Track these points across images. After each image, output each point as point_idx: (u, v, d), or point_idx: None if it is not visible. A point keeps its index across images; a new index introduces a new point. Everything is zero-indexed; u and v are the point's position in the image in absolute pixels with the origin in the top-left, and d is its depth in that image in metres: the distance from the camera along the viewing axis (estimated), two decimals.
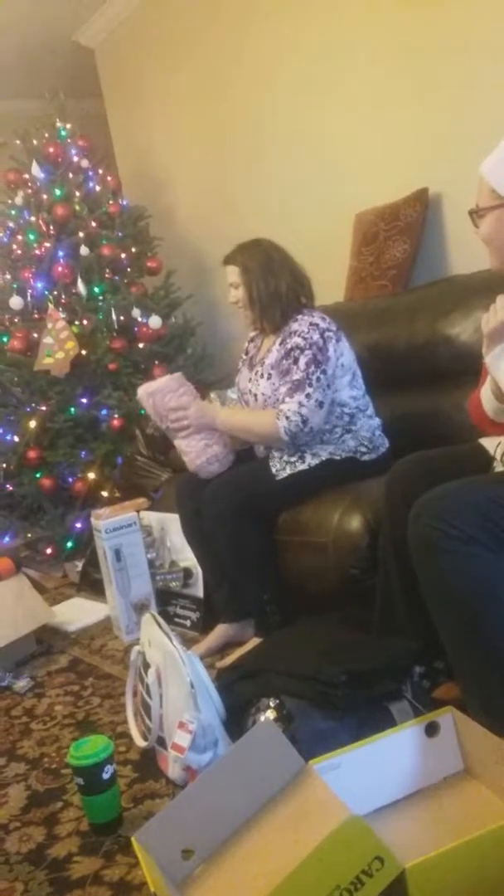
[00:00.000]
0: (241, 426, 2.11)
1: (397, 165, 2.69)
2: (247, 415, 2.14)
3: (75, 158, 3.49)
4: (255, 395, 2.14)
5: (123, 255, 3.44)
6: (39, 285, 3.31)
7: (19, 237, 3.42)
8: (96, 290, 3.35)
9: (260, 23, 3.16)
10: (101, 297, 3.34)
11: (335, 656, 1.49)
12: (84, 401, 3.22)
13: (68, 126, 3.54)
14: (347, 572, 1.84)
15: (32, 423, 3.16)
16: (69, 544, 3.13)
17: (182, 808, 1.15)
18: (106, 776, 1.37)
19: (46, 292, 3.30)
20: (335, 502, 1.93)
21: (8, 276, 3.43)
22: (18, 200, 3.46)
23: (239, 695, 1.55)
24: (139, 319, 3.34)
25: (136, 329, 3.35)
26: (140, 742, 1.60)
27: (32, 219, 3.40)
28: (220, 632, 2.11)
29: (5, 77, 4.39)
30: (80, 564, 2.90)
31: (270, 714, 1.46)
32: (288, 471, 2.03)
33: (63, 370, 3.15)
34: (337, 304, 2.61)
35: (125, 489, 2.99)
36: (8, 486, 3.29)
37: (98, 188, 3.52)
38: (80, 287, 3.30)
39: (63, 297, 3.32)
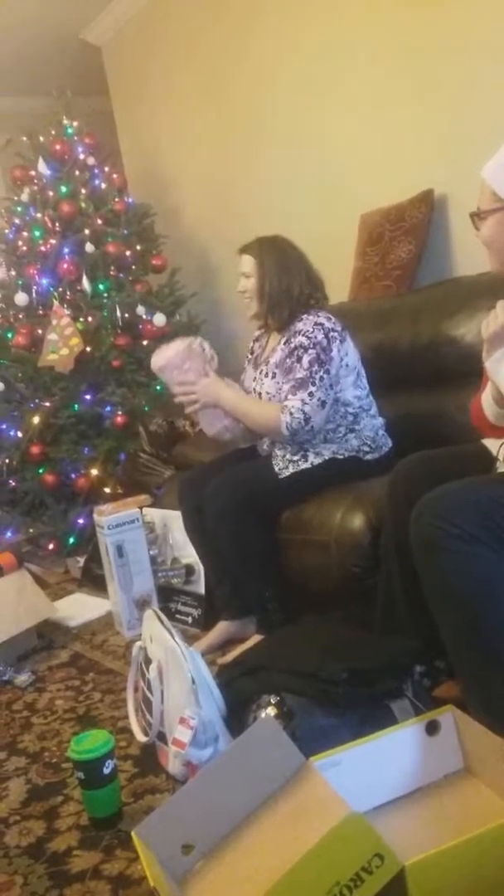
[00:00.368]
0: (243, 410, 2.12)
1: (403, 166, 2.69)
2: (252, 402, 2.15)
3: (81, 156, 3.49)
4: (260, 395, 2.15)
5: (128, 253, 3.45)
6: (45, 282, 3.32)
7: (25, 234, 3.43)
8: (101, 287, 3.35)
9: (265, 22, 3.16)
10: (105, 295, 3.34)
11: (336, 654, 1.49)
12: (88, 397, 3.23)
13: (75, 123, 3.55)
14: (349, 571, 1.84)
15: (36, 419, 3.17)
16: (71, 540, 3.14)
17: (182, 803, 1.15)
18: (106, 771, 1.38)
19: (51, 289, 3.31)
20: (338, 501, 1.93)
21: (13, 273, 3.44)
22: (24, 197, 3.47)
23: (240, 691, 1.55)
24: (143, 317, 3.34)
25: (140, 326, 3.35)
26: (141, 737, 1.60)
27: (38, 215, 3.41)
28: (222, 629, 2.12)
29: (13, 74, 4.40)
30: (81, 560, 2.90)
31: (271, 711, 1.46)
32: (291, 469, 2.03)
33: (67, 367, 3.16)
34: (341, 304, 2.61)
35: (128, 485, 2.99)
36: (11, 481, 3.30)
37: (104, 185, 3.52)
38: (85, 284, 3.30)
39: (68, 293, 3.33)
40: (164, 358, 2.16)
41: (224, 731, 1.48)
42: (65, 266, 3.29)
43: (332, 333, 2.02)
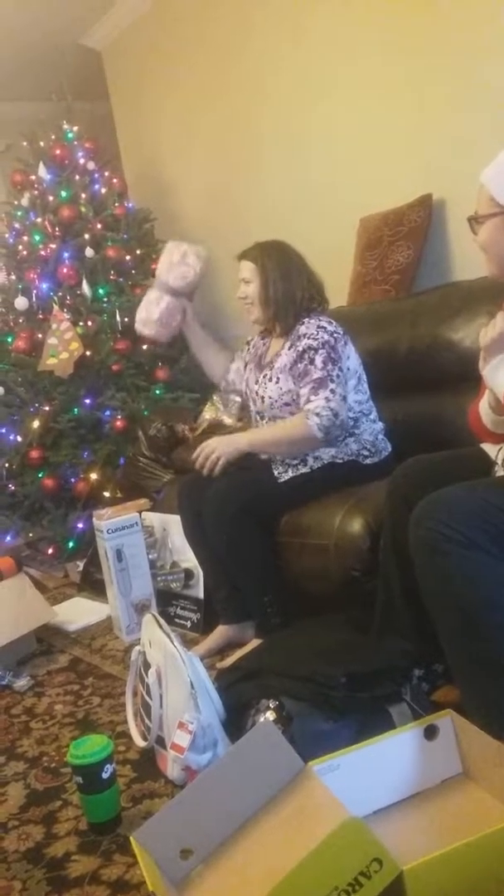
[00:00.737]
0: (270, 440, 2.07)
1: (402, 171, 2.70)
2: (272, 429, 2.11)
3: (81, 160, 3.51)
4: (262, 398, 2.15)
5: (128, 257, 3.46)
6: (44, 286, 3.33)
7: (25, 238, 3.44)
8: (101, 291, 3.36)
9: (264, 28, 3.17)
10: (105, 299, 3.35)
11: (335, 658, 1.49)
12: (87, 401, 3.23)
13: (75, 128, 3.56)
14: (348, 574, 1.84)
15: (36, 423, 3.17)
16: (71, 544, 3.14)
17: (181, 807, 1.15)
18: (105, 775, 1.38)
19: (51, 293, 3.32)
20: (337, 505, 1.93)
21: (13, 277, 3.45)
22: (24, 202, 3.48)
23: (239, 696, 1.55)
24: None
25: None
26: (140, 742, 1.60)
27: (38, 220, 3.42)
28: (221, 633, 2.12)
29: (13, 79, 4.42)
30: (81, 564, 2.90)
31: (270, 715, 1.46)
32: (290, 473, 2.03)
33: (67, 371, 3.16)
34: (340, 308, 2.62)
35: (127, 490, 2.99)
36: (10, 485, 3.30)
37: (104, 190, 3.53)
38: (85, 288, 3.31)
39: (68, 298, 3.33)
40: (141, 319, 2.25)
41: (223, 736, 1.48)
42: (65, 270, 3.30)
43: (335, 335, 2.03)
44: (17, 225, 3.50)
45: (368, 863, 0.99)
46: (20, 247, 3.46)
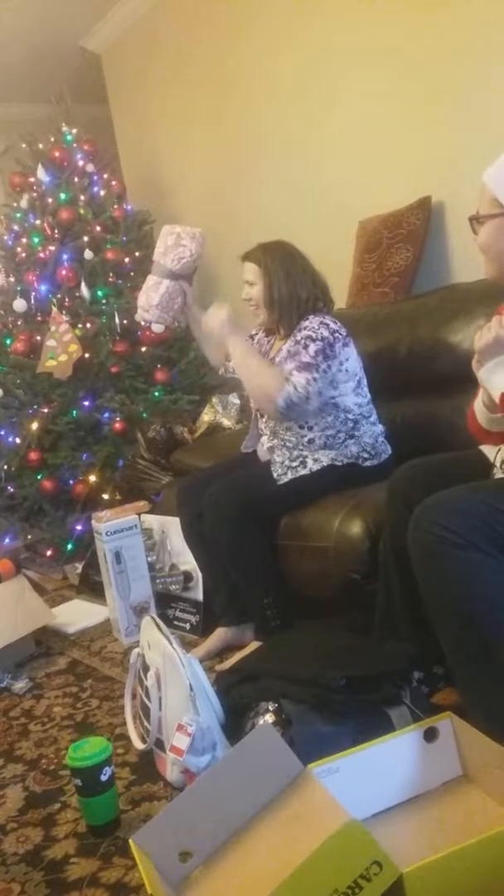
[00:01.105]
0: (249, 364, 2.03)
1: (401, 174, 2.70)
2: (260, 360, 2.06)
3: (80, 163, 3.51)
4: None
5: (127, 260, 3.46)
6: (43, 288, 3.33)
7: (24, 240, 3.44)
8: (100, 293, 3.36)
9: (263, 32, 3.18)
10: (104, 301, 3.35)
11: (335, 661, 1.49)
12: (86, 403, 3.23)
13: (74, 131, 3.57)
14: (348, 577, 1.84)
15: (34, 425, 3.17)
16: (69, 546, 3.13)
17: (180, 810, 1.15)
18: (104, 778, 1.38)
19: (50, 295, 3.32)
20: (336, 507, 1.93)
21: (12, 279, 3.45)
22: (23, 204, 3.48)
23: (238, 698, 1.55)
24: (142, 323, 3.34)
25: (138, 333, 3.36)
26: (138, 744, 1.60)
27: (37, 222, 3.42)
28: (220, 635, 2.11)
29: (12, 81, 4.42)
30: (79, 566, 2.90)
31: (269, 718, 1.46)
32: (290, 476, 2.03)
33: (66, 373, 3.16)
34: (340, 310, 2.62)
35: (126, 492, 2.99)
36: (9, 487, 3.30)
37: (103, 193, 3.54)
38: (84, 290, 3.31)
39: (67, 300, 3.33)
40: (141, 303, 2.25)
41: (222, 739, 1.48)
42: (63, 272, 3.30)
43: (336, 334, 2.02)
44: (15, 227, 3.50)
45: (368, 865, 0.98)
46: (19, 249, 3.46)
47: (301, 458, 2.05)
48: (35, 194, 3.47)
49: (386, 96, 2.71)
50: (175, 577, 2.38)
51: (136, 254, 3.51)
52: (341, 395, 2.06)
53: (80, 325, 3.26)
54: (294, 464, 2.05)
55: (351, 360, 2.07)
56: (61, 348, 3.15)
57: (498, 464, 1.54)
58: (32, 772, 1.65)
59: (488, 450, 1.60)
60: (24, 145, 3.56)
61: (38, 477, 3.23)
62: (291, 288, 2.07)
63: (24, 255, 3.44)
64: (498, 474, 1.54)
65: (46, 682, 2.11)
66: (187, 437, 3.03)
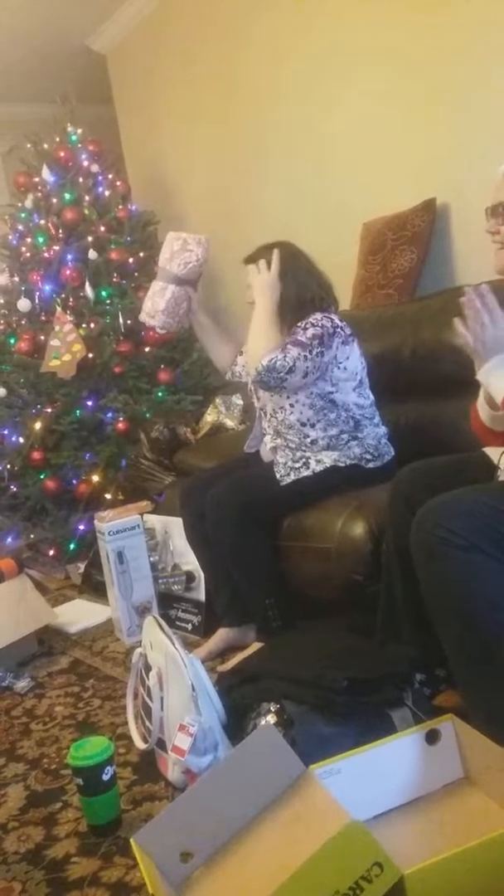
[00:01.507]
0: (259, 319, 2.04)
1: (405, 175, 2.70)
2: (271, 324, 2.04)
3: (85, 163, 3.51)
4: (258, 397, 2.15)
5: (131, 260, 3.46)
6: (47, 288, 3.33)
7: (28, 240, 3.44)
8: (104, 293, 3.36)
9: (268, 33, 3.18)
10: (108, 301, 3.36)
11: (337, 662, 1.49)
12: (89, 403, 3.24)
13: (79, 131, 3.57)
14: (350, 578, 1.84)
15: (38, 425, 3.18)
16: (72, 546, 3.14)
17: (181, 810, 1.15)
18: (106, 777, 1.38)
19: (54, 295, 3.32)
20: (339, 508, 1.93)
21: (16, 279, 3.46)
22: (28, 203, 3.49)
23: (240, 699, 1.55)
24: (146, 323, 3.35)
25: (142, 333, 3.36)
26: (140, 744, 1.60)
27: (42, 222, 3.42)
28: (222, 636, 2.11)
29: (18, 81, 4.43)
30: (82, 566, 2.90)
31: (271, 718, 1.46)
32: (292, 477, 2.03)
33: (69, 372, 3.16)
34: (343, 312, 2.62)
35: (129, 492, 2.99)
36: (12, 486, 3.30)
37: (107, 193, 3.54)
38: (88, 290, 3.31)
39: (71, 300, 3.34)
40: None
41: (223, 739, 1.48)
42: (68, 272, 3.30)
43: (338, 330, 2.02)
44: (20, 227, 3.50)
45: (369, 867, 0.98)
46: (23, 248, 3.46)
47: (304, 459, 2.05)
48: (40, 194, 3.47)
49: (390, 98, 2.71)
50: (177, 577, 2.38)
51: (141, 254, 3.51)
52: (339, 393, 2.05)
53: (84, 325, 3.26)
54: (297, 465, 2.05)
55: (352, 359, 2.07)
56: (65, 348, 3.16)
57: (502, 466, 1.54)
58: (34, 771, 1.65)
59: (492, 452, 1.60)
60: (29, 145, 3.56)
61: (41, 476, 3.23)
62: (295, 288, 2.07)
63: (28, 254, 3.44)
64: (501, 476, 1.54)
65: (48, 681, 2.11)
66: (190, 437, 3.03)
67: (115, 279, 3.42)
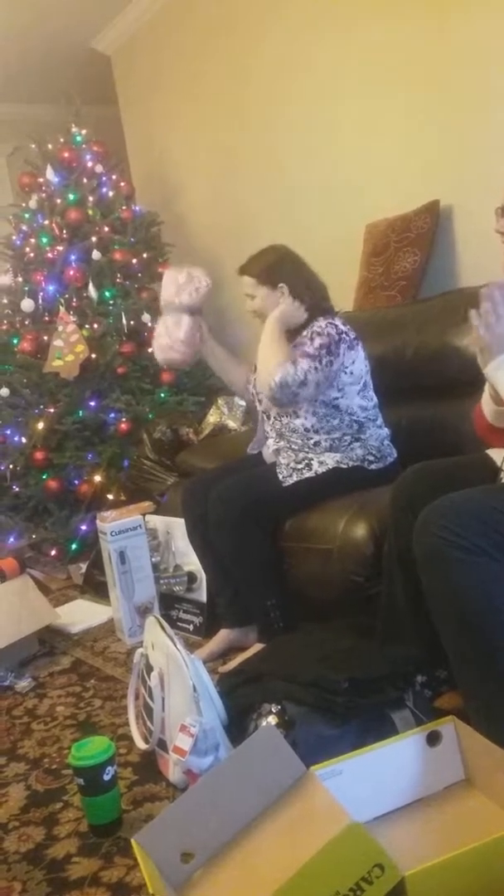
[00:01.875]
0: (266, 339, 2.05)
1: (409, 177, 2.70)
2: (279, 341, 2.05)
3: (89, 163, 3.52)
4: (260, 400, 2.15)
5: (135, 261, 3.47)
6: (51, 288, 3.33)
7: (32, 240, 3.45)
8: (107, 294, 3.37)
9: (275, 35, 3.18)
10: (111, 302, 3.36)
11: (338, 663, 1.49)
12: (92, 404, 3.24)
13: (83, 131, 3.57)
14: (351, 580, 1.84)
15: (40, 425, 3.18)
16: (74, 546, 3.14)
17: (182, 811, 1.15)
18: (106, 777, 1.38)
19: (58, 295, 3.32)
20: (341, 510, 1.93)
21: (20, 279, 3.46)
22: (32, 204, 3.49)
23: (241, 699, 1.55)
24: (149, 324, 3.35)
25: (145, 334, 3.36)
26: (141, 744, 1.60)
27: (46, 222, 3.43)
28: (223, 636, 2.12)
29: (22, 81, 4.44)
30: (83, 566, 2.91)
31: (272, 719, 1.46)
32: (295, 478, 2.03)
33: (72, 373, 3.17)
34: (346, 313, 2.62)
35: (131, 492, 3.00)
36: (14, 486, 3.31)
37: (111, 193, 3.54)
38: (92, 291, 3.32)
39: (74, 300, 3.34)
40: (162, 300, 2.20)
41: (225, 740, 1.48)
42: (71, 273, 3.30)
43: (343, 336, 2.03)
44: (24, 227, 3.50)
45: (370, 868, 0.98)
46: (27, 249, 3.46)
47: (306, 461, 2.05)
48: (44, 194, 3.48)
49: (394, 100, 2.71)
50: (179, 577, 2.38)
51: (144, 255, 3.52)
52: (344, 398, 2.06)
53: (87, 326, 3.26)
54: (299, 466, 2.05)
55: (357, 362, 2.07)
56: (68, 348, 3.16)
57: None
58: (35, 771, 1.66)
59: (495, 454, 1.60)
60: (33, 145, 3.57)
61: (44, 476, 3.23)
62: (289, 293, 2.08)
63: (32, 254, 3.44)
64: None
65: (49, 681, 2.11)
66: (192, 438, 3.03)
67: (118, 280, 3.43)
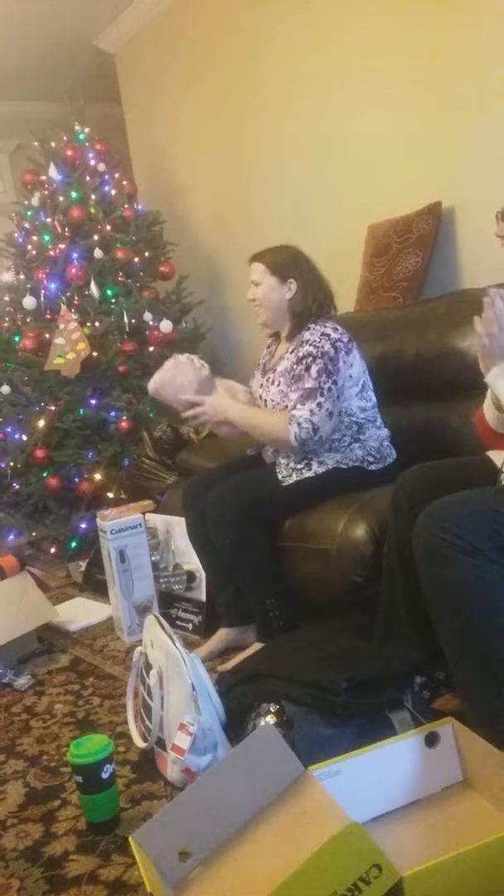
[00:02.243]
0: (253, 423, 2.10)
1: (411, 178, 2.70)
2: (260, 414, 2.13)
3: (92, 162, 3.52)
4: (266, 401, 2.16)
5: (137, 259, 3.47)
6: (53, 286, 3.34)
7: (34, 238, 3.45)
8: (109, 292, 3.37)
9: (279, 35, 3.18)
10: (113, 300, 3.36)
11: (337, 663, 1.49)
12: (93, 402, 3.24)
13: (86, 130, 3.57)
14: (351, 580, 1.85)
15: (41, 423, 3.18)
16: (73, 544, 3.14)
17: (180, 809, 1.15)
18: (105, 775, 1.38)
19: (59, 293, 3.33)
20: (341, 510, 1.93)
21: (22, 277, 3.46)
22: (35, 201, 3.49)
23: (239, 699, 1.55)
24: (150, 323, 3.36)
25: (146, 332, 3.37)
26: (140, 743, 1.60)
27: (48, 220, 3.43)
28: (222, 636, 2.12)
29: (26, 79, 4.44)
30: (83, 564, 2.91)
31: (271, 719, 1.46)
32: (294, 478, 2.03)
33: (73, 371, 3.17)
34: (348, 314, 2.62)
35: (131, 491, 3.00)
36: (15, 484, 3.31)
37: (114, 192, 3.54)
38: (93, 289, 3.32)
39: (76, 298, 3.34)
40: (155, 381, 2.17)
41: (223, 739, 1.48)
42: (73, 271, 3.31)
43: (338, 344, 2.03)
44: (26, 224, 3.51)
45: (368, 868, 0.98)
46: (29, 246, 3.47)
47: (306, 461, 2.05)
48: (46, 192, 3.48)
49: (397, 101, 2.71)
50: (178, 576, 2.39)
51: (146, 254, 3.52)
52: (345, 400, 2.06)
53: (88, 324, 3.26)
54: (299, 466, 2.05)
55: (355, 365, 2.07)
56: (69, 346, 3.16)
57: None
58: (33, 768, 1.66)
59: (495, 455, 1.60)
60: (36, 143, 3.57)
61: (44, 474, 3.23)
62: (302, 287, 2.09)
63: (34, 252, 3.45)
64: None
65: (48, 678, 2.12)
66: (193, 437, 3.03)
67: (120, 278, 3.43)
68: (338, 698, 1.40)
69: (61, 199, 3.43)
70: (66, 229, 3.41)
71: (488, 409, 1.59)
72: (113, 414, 3.23)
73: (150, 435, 3.07)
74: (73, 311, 3.26)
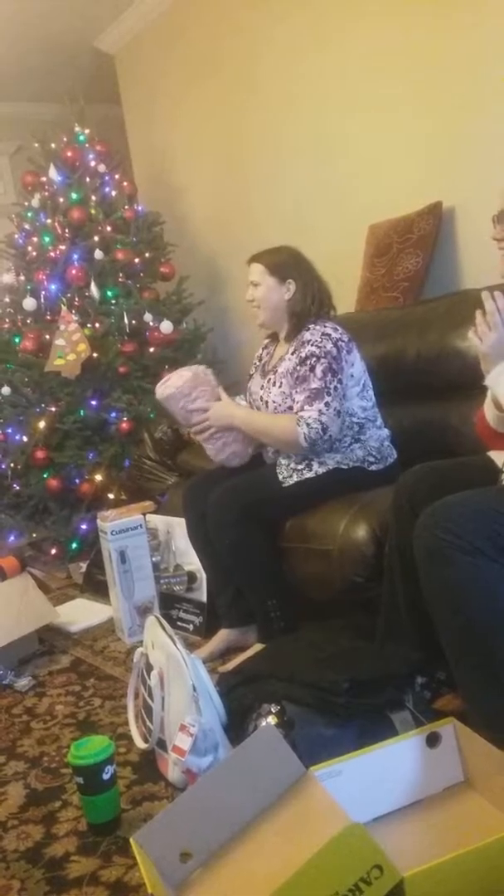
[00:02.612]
0: (259, 428, 2.11)
1: (412, 178, 2.70)
2: (266, 418, 2.13)
3: (92, 163, 3.52)
4: (266, 403, 2.15)
5: (137, 260, 3.47)
6: (53, 287, 3.34)
7: (34, 239, 3.45)
8: (109, 293, 3.37)
9: (280, 35, 3.19)
10: (113, 301, 3.36)
11: (338, 664, 1.49)
12: (93, 403, 3.24)
13: (86, 131, 3.57)
14: (352, 580, 1.84)
15: (41, 424, 3.18)
16: (74, 545, 3.14)
17: (181, 810, 1.15)
18: (106, 776, 1.38)
19: (60, 294, 3.33)
20: (341, 510, 1.93)
21: (22, 278, 3.46)
22: (35, 203, 3.49)
23: (240, 700, 1.55)
24: (151, 324, 3.36)
25: (147, 333, 3.36)
26: (140, 744, 1.60)
27: (48, 221, 3.43)
28: (223, 636, 2.12)
29: (25, 80, 4.44)
30: (83, 565, 2.91)
31: (272, 720, 1.46)
32: (295, 478, 2.03)
33: (74, 372, 3.17)
34: (348, 314, 2.62)
35: (132, 492, 3.00)
36: (15, 485, 3.31)
37: (114, 193, 3.54)
38: (94, 290, 3.32)
39: (76, 299, 3.34)
40: (171, 387, 2.16)
41: (224, 740, 1.48)
42: (73, 272, 3.31)
43: (340, 343, 2.03)
44: (27, 226, 3.51)
45: (369, 869, 0.98)
46: (30, 247, 3.47)
47: (307, 461, 2.05)
48: (47, 193, 3.48)
49: (399, 101, 2.71)
50: (179, 577, 2.38)
51: (146, 255, 3.52)
52: (347, 400, 2.06)
53: (88, 325, 3.26)
54: (300, 466, 2.05)
55: (356, 365, 2.08)
56: (70, 347, 3.16)
57: None
58: (34, 769, 1.66)
59: (496, 455, 1.60)
60: (36, 144, 3.57)
61: (45, 475, 3.23)
62: (301, 287, 2.09)
63: (34, 253, 3.45)
64: None
65: (49, 680, 2.11)
66: (193, 437, 3.03)
67: (120, 279, 3.43)
68: (339, 699, 1.40)
69: (61, 200, 3.43)
70: (67, 230, 3.41)
71: (488, 409, 1.59)
72: (113, 415, 3.23)
73: (151, 436, 3.07)
74: (73, 312, 3.26)
